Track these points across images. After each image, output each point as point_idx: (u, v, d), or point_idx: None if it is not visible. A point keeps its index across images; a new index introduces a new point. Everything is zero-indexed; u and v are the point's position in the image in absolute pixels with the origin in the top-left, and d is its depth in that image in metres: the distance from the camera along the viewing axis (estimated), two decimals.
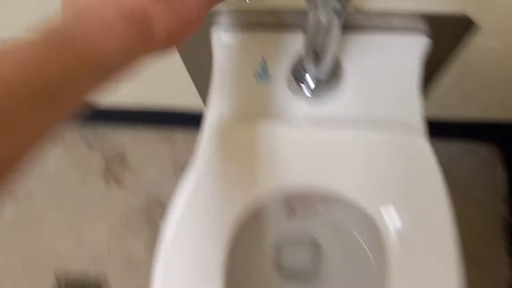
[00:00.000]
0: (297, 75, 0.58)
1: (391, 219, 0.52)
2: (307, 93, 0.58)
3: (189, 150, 0.98)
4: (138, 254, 0.95)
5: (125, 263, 0.95)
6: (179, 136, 1.02)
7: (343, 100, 0.58)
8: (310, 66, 0.55)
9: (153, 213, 0.98)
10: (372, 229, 0.56)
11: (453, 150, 0.98)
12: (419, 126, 0.56)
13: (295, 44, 0.60)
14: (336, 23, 0.45)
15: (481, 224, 0.92)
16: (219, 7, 0.56)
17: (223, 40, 0.61)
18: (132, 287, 0.93)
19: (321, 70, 0.56)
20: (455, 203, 0.91)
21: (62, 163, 1.03)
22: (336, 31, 0.46)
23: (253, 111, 0.59)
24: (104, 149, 1.04)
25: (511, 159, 0.93)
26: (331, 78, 0.58)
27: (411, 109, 0.57)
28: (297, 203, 0.65)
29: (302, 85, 0.58)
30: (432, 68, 0.70)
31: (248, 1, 0.55)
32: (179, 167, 1.00)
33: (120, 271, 0.94)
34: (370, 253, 0.65)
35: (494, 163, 0.96)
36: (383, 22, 0.58)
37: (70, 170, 1.03)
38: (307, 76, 0.58)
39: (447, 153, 0.98)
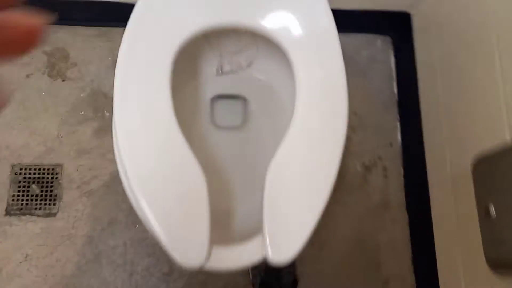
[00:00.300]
0: None
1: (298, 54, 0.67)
2: None
3: None
4: (87, 139, 1.07)
5: (76, 148, 1.06)
6: (116, 32, 1.11)
7: None
8: None
9: (97, 102, 1.09)
10: (286, 74, 0.72)
11: (354, 41, 1.17)
12: None
13: None
14: None
15: (377, 97, 1.14)
16: None
17: None
18: (85, 167, 1.05)
19: None
20: (357, 83, 1.12)
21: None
22: None
23: None
24: (45, 46, 1.10)
25: (399, 47, 1.14)
26: None
27: None
28: (224, 49, 0.79)
29: None
30: None
31: None
32: None
33: (72, 155, 1.05)
34: (285, 101, 0.82)
35: (387, 51, 1.18)
36: None
37: (13, 67, 1.09)
38: None
39: (349, 44, 1.17)
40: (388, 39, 1.18)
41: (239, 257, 0.63)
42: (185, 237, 0.61)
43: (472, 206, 0.67)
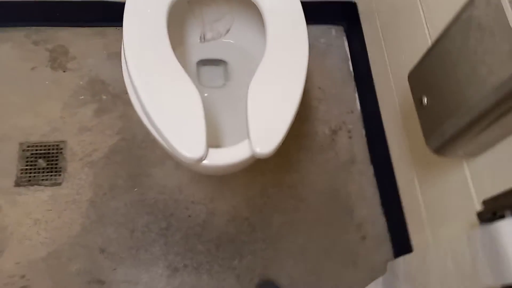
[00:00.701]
0: None
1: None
2: None
3: (118, 42, 1.26)
4: (88, 119, 1.21)
5: (77, 126, 1.20)
6: (109, 31, 1.30)
7: None
8: None
9: (96, 88, 1.24)
10: (258, 37, 0.90)
11: (312, 31, 1.39)
12: None
13: None
14: None
15: (337, 74, 1.35)
16: None
17: None
18: (86, 142, 1.18)
19: None
20: (319, 64, 1.33)
21: (12, 58, 1.24)
22: None
23: None
24: (47, 44, 1.27)
25: (351, 33, 1.37)
26: None
27: None
28: (206, 17, 0.97)
29: None
30: None
31: None
32: (112, 56, 1.27)
33: (75, 132, 1.19)
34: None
35: (341, 38, 1.40)
36: None
37: (20, 62, 1.24)
38: None
39: (310, 34, 1.38)
40: (341, 28, 1.40)
41: (231, 155, 0.78)
42: (186, 135, 0.75)
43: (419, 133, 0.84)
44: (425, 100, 0.78)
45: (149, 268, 1.06)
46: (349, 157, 1.25)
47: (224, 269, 1.08)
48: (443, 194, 0.92)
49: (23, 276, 1.02)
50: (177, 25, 1.01)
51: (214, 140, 0.97)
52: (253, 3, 0.89)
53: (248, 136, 0.77)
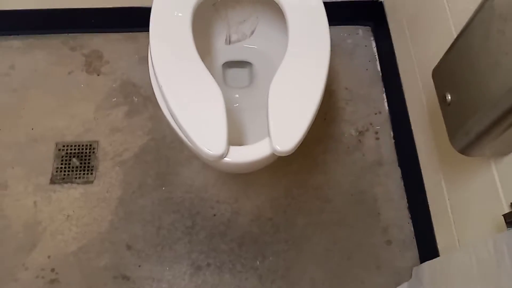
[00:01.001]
0: None
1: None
2: None
3: None
4: (119, 120, 1.25)
5: (109, 127, 1.24)
6: (140, 36, 1.35)
7: None
8: None
9: (127, 91, 1.29)
10: (283, 39, 0.91)
11: (341, 32, 1.39)
12: None
13: None
14: None
15: (364, 75, 1.34)
16: None
17: None
18: (117, 142, 1.23)
19: None
20: (346, 64, 1.33)
21: (49, 62, 1.31)
22: None
23: None
24: (83, 49, 1.33)
25: (378, 32, 1.36)
26: None
27: None
28: (231, 19, 0.99)
29: None
30: None
31: None
32: (143, 59, 1.32)
33: (107, 132, 1.23)
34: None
35: (368, 38, 1.39)
36: None
37: (57, 67, 1.31)
38: None
39: (337, 34, 1.39)
40: (367, 28, 1.39)
41: (252, 152, 0.79)
42: (208, 133, 0.77)
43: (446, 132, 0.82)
44: (449, 97, 0.77)
45: (173, 266, 1.08)
46: (376, 159, 1.24)
47: (247, 269, 1.09)
48: (470, 196, 0.89)
49: (53, 269, 1.07)
50: (203, 28, 1.04)
51: (238, 140, 0.99)
52: (276, 3, 0.90)
53: (268, 134, 0.78)
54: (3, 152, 1.19)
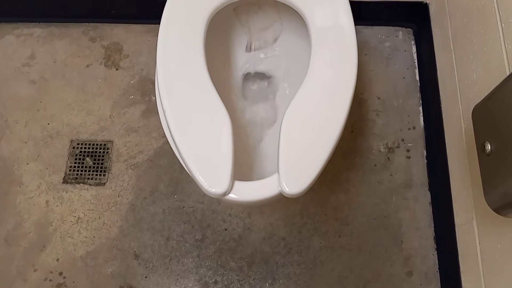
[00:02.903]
0: None
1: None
2: None
3: None
4: (135, 120, 1.20)
5: (125, 127, 1.20)
6: None
7: None
8: None
9: (146, 88, 1.23)
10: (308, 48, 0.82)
11: (379, 33, 1.26)
12: None
13: None
14: None
15: (400, 83, 1.22)
16: None
17: None
18: (132, 144, 1.18)
19: None
20: (381, 70, 1.21)
21: (69, 53, 1.27)
22: None
23: None
24: (103, 41, 1.28)
25: (420, 37, 1.22)
26: None
27: None
28: (252, 25, 0.90)
29: None
30: None
31: None
32: None
33: (122, 132, 1.19)
34: None
35: (409, 42, 1.25)
36: None
37: (76, 58, 1.26)
38: None
39: (374, 36, 1.26)
40: (409, 31, 1.26)
41: (257, 190, 0.72)
42: (211, 168, 0.70)
43: None
44: (488, 146, 0.66)
45: (180, 280, 1.05)
46: (404, 180, 1.14)
47: None
48: (504, 250, 0.79)
49: (61, 273, 1.06)
50: (222, 34, 0.95)
51: (250, 160, 0.91)
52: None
53: (277, 171, 0.71)
54: (20, 147, 1.18)
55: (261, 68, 0.99)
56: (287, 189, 0.70)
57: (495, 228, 0.82)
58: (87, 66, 1.26)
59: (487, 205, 0.84)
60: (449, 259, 1.02)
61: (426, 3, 1.16)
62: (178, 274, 1.06)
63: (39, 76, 1.25)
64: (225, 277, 1.05)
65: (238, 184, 0.71)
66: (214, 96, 0.75)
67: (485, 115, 0.68)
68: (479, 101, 0.72)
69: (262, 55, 0.97)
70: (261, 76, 1.00)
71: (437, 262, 1.06)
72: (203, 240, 1.09)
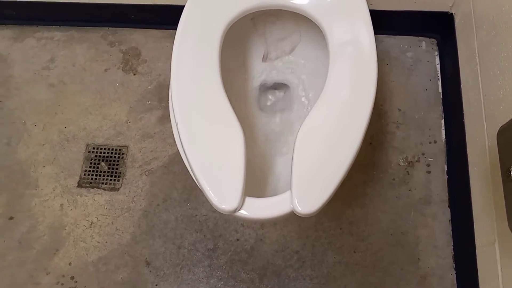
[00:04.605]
0: None
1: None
2: None
3: None
4: (151, 125, 1.20)
5: (141, 132, 1.20)
6: None
7: None
8: None
9: (163, 94, 1.23)
10: (326, 58, 0.79)
11: (402, 43, 1.22)
12: None
13: None
14: None
15: (422, 95, 1.18)
16: None
17: None
18: (147, 150, 1.18)
19: None
20: (402, 82, 1.18)
21: (88, 57, 1.27)
22: None
23: None
24: (121, 45, 1.28)
25: (444, 48, 1.18)
26: None
27: None
28: (269, 36, 0.88)
29: None
30: None
31: None
32: None
33: (137, 138, 1.19)
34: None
35: (432, 52, 1.21)
36: None
37: (95, 63, 1.27)
38: None
39: (397, 45, 1.23)
40: (433, 41, 1.22)
41: (269, 208, 0.70)
42: (222, 183, 0.69)
43: None
44: None
45: None
46: (424, 196, 1.10)
47: None
48: None
49: (72, 277, 1.07)
50: (239, 44, 0.94)
51: (263, 174, 0.90)
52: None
53: (290, 188, 0.69)
54: (37, 150, 1.19)
55: (277, 78, 0.97)
56: (299, 208, 0.68)
57: None
58: (105, 70, 1.26)
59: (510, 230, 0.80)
60: (468, 281, 0.98)
61: (452, 13, 1.12)
62: (189, 284, 1.05)
63: (58, 80, 1.26)
64: None
65: (249, 200, 0.69)
66: (227, 109, 0.73)
67: (510, 138, 0.65)
68: (504, 119, 0.68)
69: (279, 65, 0.95)
70: (278, 86, 0.98)
71: (455, 283, 1.02)
72: (214, 250, 1.08)
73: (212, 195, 0.68)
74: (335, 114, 0.72)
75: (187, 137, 0.72)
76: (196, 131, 0.72)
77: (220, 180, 0.69)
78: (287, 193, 0.69)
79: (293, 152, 0.70)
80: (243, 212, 0.69)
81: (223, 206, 0.68)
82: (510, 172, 0.63)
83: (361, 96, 0.72)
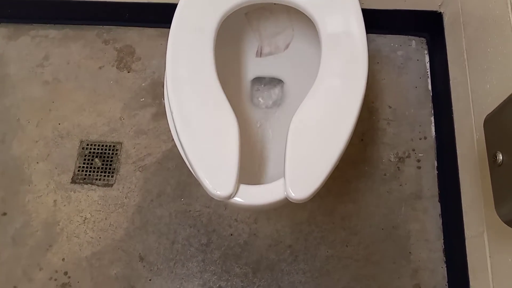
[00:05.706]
0: None
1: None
2: None
3: None
4: (145, 122, 1.21)
5: (134, 129, 1.20)
6: None
7: None
8: None
9: (157, 91, 1.24)
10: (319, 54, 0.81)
11: (392, 42, 1.25)
12: None
13: None
14: None
15: (412, 93, 1.20)
16: None
17: None
18: (141, 146, 1.19)
19: None
20: (393, 79, 1.20)
21: (82, 55, 1.28)
22: None
23: None
24: (116, 43, 1.29)
25: (433, 47, 1.21)
26: None
27: None
28: (263, 31, 0.90)
29: None
30: None
31: None
32: None
33: (131, 134, 1.20)
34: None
35: (422, 51, 1.24)
36: None
37: (89, 60, 1.28)
38: None
39: (387, 44, 1.25)
40: (422, 40, 1.24)
41: (263, 194, 0.71)
42: (216, 170, 0.70)
43: None
44: (500, 157, 0.65)
45: (184, 284, 1.05)
46: (414, 191, 1.12)
47: None
48: None
49: (66, 273, 1.06)
50: (233, 39, 0.95)
51: (257, 163, 0.91)
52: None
53: (283, 175, 0.70)
54: (31, 146, 1.19)
55: (271, 73, 0.98)
56: (293, 194, 0.69)
57: (507, 241, 0.80)
58: (100, 68, 1.27)
59: (498, 218, 0.82)
60: (458, 272, 0.99)
61: (440, 12, 1.15)
62: (182, 278, 1.05)
63: (52, 77, 1.27)
64: (229, 283, 1.04)
65: (243, 187, 0.70)
66: (222, 99, 0.74)
67: (497, 125, 0.67)
68: (491, 110, 0.70)
69: (272, 60, 0.97)
70: (271, 81, 0.99)
71: (446, 275, 1.04)
72: (208, 244, 1.09)
73: (207, 181, 0.69)
74: (327, 103, 0.74)
75: (182, 126, 0.73)
76: (190, 119, 0.73)
77: (215, 167, 0.70)
78: (281, 180, 0.70)
79: (286, 140, 0.72)
80: (237, 199, 0.70)
81: (218, 192, 0.69)
82: (496, 157, 0.64)
83: (352, 85, 0.74)
